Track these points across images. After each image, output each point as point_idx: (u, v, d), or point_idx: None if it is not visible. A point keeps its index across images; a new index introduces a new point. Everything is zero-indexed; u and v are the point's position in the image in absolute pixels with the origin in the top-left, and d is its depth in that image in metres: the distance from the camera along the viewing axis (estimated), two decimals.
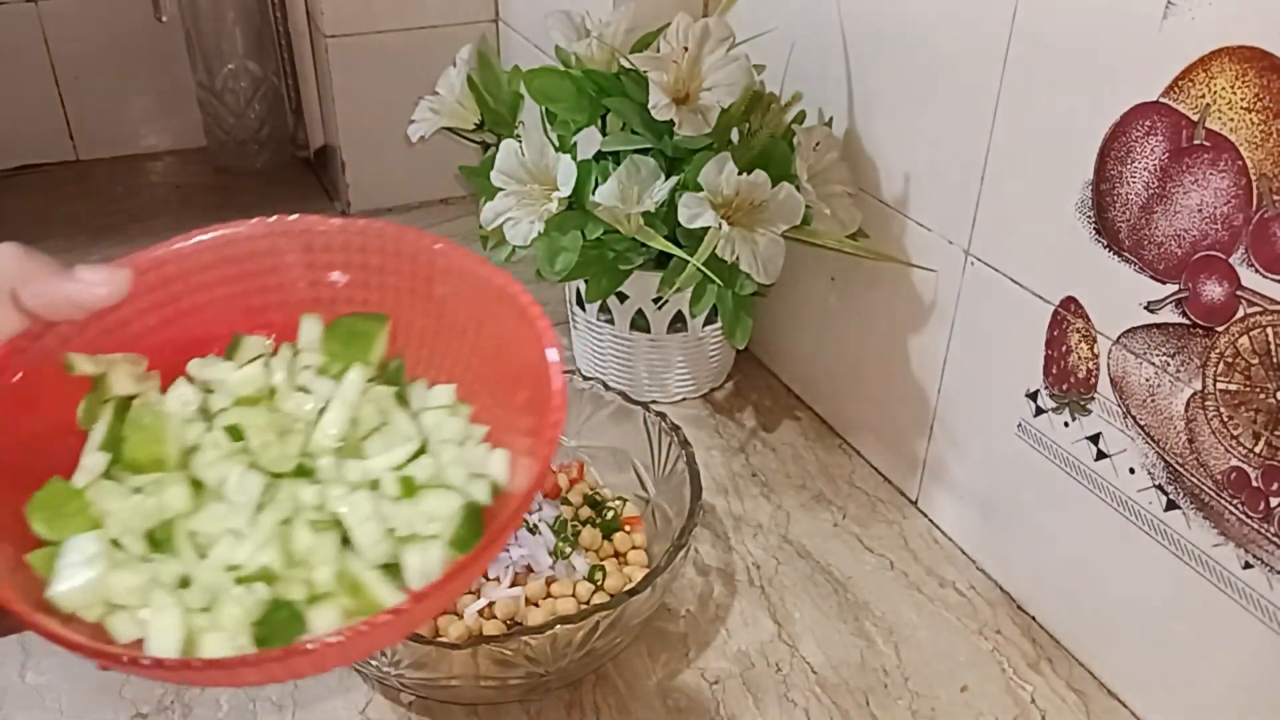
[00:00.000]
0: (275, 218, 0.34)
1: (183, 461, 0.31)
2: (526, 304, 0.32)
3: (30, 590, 0.27)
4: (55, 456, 0.30)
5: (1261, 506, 0.42)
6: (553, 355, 0.31)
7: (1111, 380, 0.48)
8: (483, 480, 0.32)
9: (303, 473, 0.31)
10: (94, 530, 0.29)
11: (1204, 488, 0.45)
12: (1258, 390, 0.42)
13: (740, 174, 0.58)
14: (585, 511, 0.59)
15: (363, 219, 0.34)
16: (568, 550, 0.55)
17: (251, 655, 0.27)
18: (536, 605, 0.53)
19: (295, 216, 0.34)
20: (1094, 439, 0.50)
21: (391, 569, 0.30)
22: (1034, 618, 0.56)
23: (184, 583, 0.29)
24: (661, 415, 0.59)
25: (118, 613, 0.28)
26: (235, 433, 0.31)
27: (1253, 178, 0.40)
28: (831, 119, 0.64)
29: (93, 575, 0.27)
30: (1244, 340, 0.42)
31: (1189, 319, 0.44)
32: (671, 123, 0.59)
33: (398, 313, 0.35)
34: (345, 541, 0.30)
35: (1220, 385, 0.43)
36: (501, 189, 0.63)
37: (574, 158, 0.61)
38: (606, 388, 0.61)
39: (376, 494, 0.31)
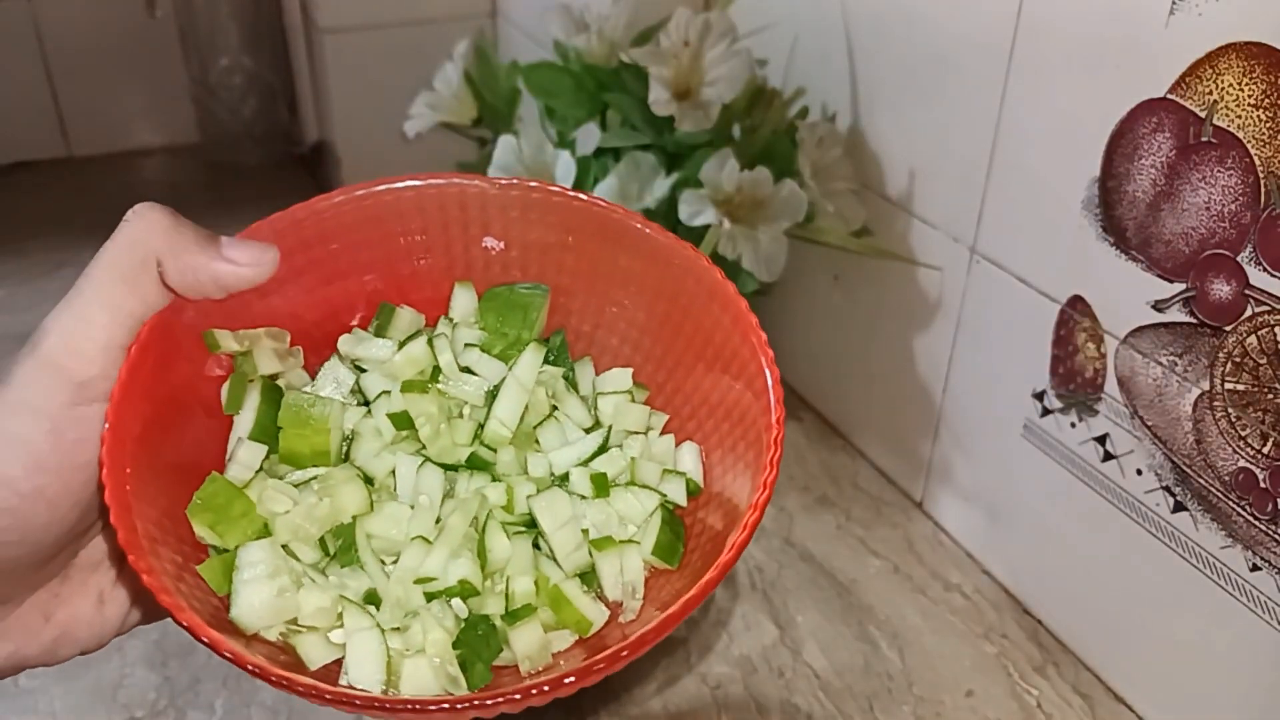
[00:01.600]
0: (426, 175, 0.30)
1: (342, 451, 0.28)
2: (725, 286, 0.29)
3: (203, 602, 0.24)
4: (203, 445, 0.27)
5: (1269, 508, 0.42)
6: (763, 344, 0.28)
7: (1119, 380, 0.48)
8: (677, 479, 0.29)
9: (475, 465, 0.28)
10: (263, 537, 0.26)
11: (1212, 489, 0.44)
12: (1266, 390, 0.41)
13: (742, 170, 0.57)
14: None
15: (523, 179, 0.31)
16: None
17: (507, 691, 0.22)
18: None
19: (447, 175, 0.30)
20: (1101, 440, 0.49)
21: (584, 575, 0.27)
22: (1040, 621, 0.56)
23: (371, 598, 0.26)
24: None
25: (306, 633, 0.25)
26: (401, 420, 0.28)
27: (1260, 175, 0.40)
28: (835, 115, 0.64)
29: (278, 594, 0.25)
30: (1252, 340, 0.41)
31: (1197, 318, 0.43)
32: (672, 118, 0.58)
33: (559, 283, 0.31)
34: (534, 544, 0.27)
35: (1228, 385, 0.43)
36: None
37: (573, 154, 0.60)
38: None
39: (569, 494, 0.28)
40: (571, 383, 0.31)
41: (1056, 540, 0.54)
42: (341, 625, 0.25)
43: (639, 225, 0.30)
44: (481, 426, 0.29)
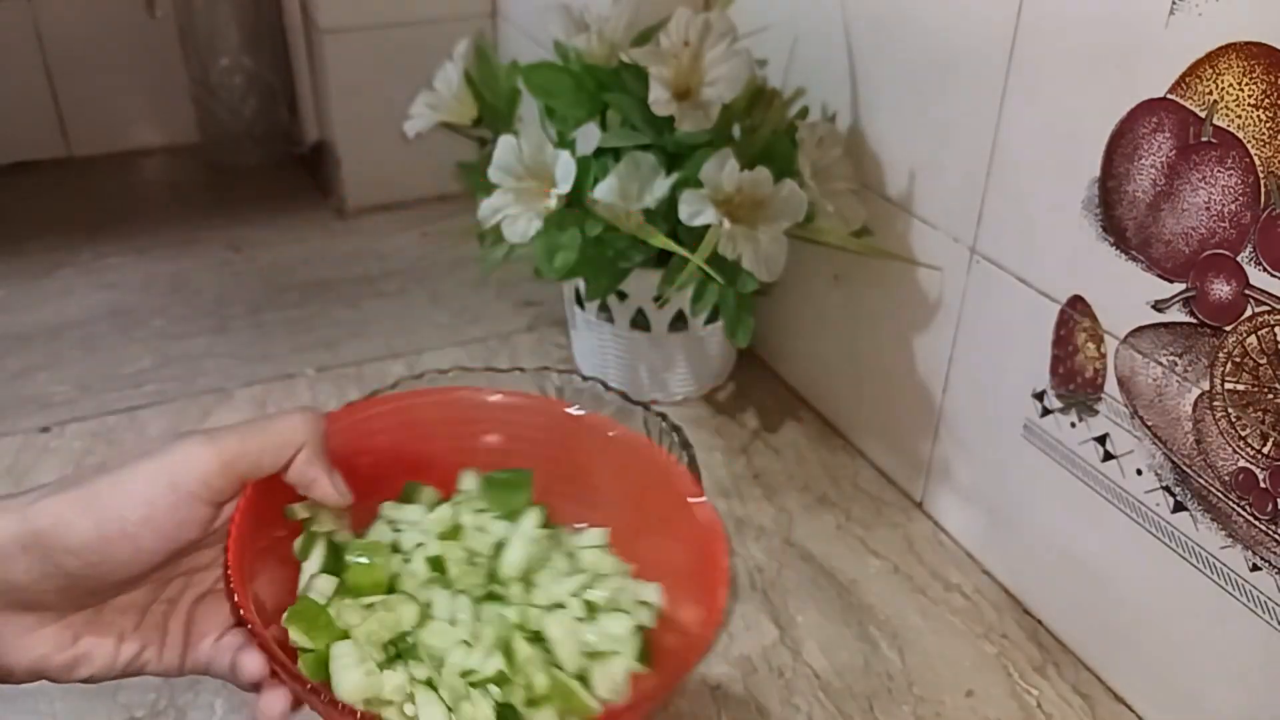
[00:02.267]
0: (444, 390, 0.41)
1: (390, 587, 0.37)
2: (682, 473, 0.39)
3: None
4: (276, 584, 0.36)
5: (1269, 508, 0.42)
6: (698, 498, 0.37)
7: (1119, 380, 0.48)
8: (646, 607, 0.38)
9: (491, 597, 0.37)
10: (343, 639, 0.34)
11: (1211, 489, 0.44)
12: (1266, 390, 0.41)
13: (742, 170, 0.57)
14: None
15: (518, 395, 0.41)
16: None
17: None
18: None
19: (462, 389, 0.41)
20: (1101, 440, 0.49)
21: (581, 679, 0.36)
22: (1040, 621, 0.56)
23: (430, 684, 0.34)
24: (662, 416, 0.58)
25: (387, 707, 0.34)
26: (436, 563, 0.37)
27: (1260, 175, 0.40)
28: (835, 115, 0.64)
29: (366, 675, 0.33)
30: (1252, 340, 0.41)
31: (1197, 318, 0.43)
32: (672, 118, 0.58)
33: (540, 467, 0.40)
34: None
35: (1228, 385, 0.43)
36: (499, 185, 0.63)
37: (573, 154, 0.60)
38: (606, 387, 0.60)
39: (567, 615, 0.36)
40: (556, 542, 0.40)
41: (1056, 540, 0.54)
42: (413, 701, 0.34)
43: (610, 431, 0.40)
44: (493, 573, 0.38)
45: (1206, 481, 0.45)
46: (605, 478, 0.40)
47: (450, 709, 0.33)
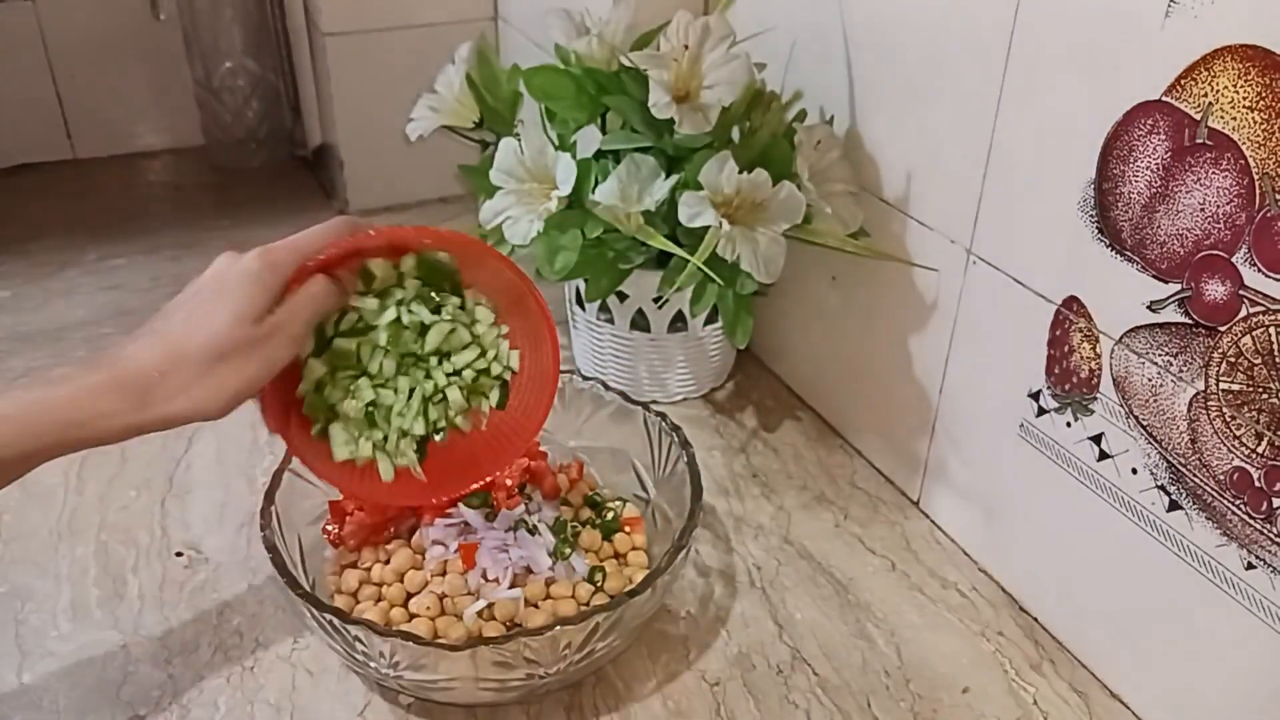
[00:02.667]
0: (391, 228, 0.52)
1: (361, 360, 0.52)
2: (520, 272, 0.53)
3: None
4: (292, 375, 0.50)
5: (1264, 507, 0.42)
6: (542, 304, 0.53)
7: (1114, 380, 0.48)
8: (507, 369, 0.55)
9: (418, 362, 0.53)
10: (333, 418, 0.52)
11: (1206, 488, 0.45)
12: (1260, 390, 0.41)
13: (741, 173, 0.58)
14: (585, 512, 0.59)
15: (442, 229, 0.53)
16: (567, 551, 0.55)
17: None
18: (536, 607, 0.53)
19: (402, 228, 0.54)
20: (1096, 439, 0.50)
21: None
22: (1036, 619, 0.56)
23: (388, 439, 0.53)
24: (662, 415, 0.59)
25: (366, 462, 0.53)
26: (382, 346, 0.52)
27: (1255, 177, 0.40)
28: (833, 117, 0.64)
29: (347, 445, 0.52)
30: (1246, 340, 0.42)
31: (1191, 318, 0.44)
32: (672, 121, 0.59)
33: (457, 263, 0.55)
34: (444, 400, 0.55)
35: (1223, 385, 0.43)
36: (501, 187, 0.63)
37: (574, 156, 0.60)
38: (606, 388, 0.61)
39: (461, 379, 0.54)
40: (464, 306, 0.55)
41: (1052, 538, 0.54)
42: (382, 454, 0.53)
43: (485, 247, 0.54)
44: (422, 340, 0.53)
45: (1201, 480, 0.45)
46: (496, 278, 0.54)
47: (399, 452, 0.53)
